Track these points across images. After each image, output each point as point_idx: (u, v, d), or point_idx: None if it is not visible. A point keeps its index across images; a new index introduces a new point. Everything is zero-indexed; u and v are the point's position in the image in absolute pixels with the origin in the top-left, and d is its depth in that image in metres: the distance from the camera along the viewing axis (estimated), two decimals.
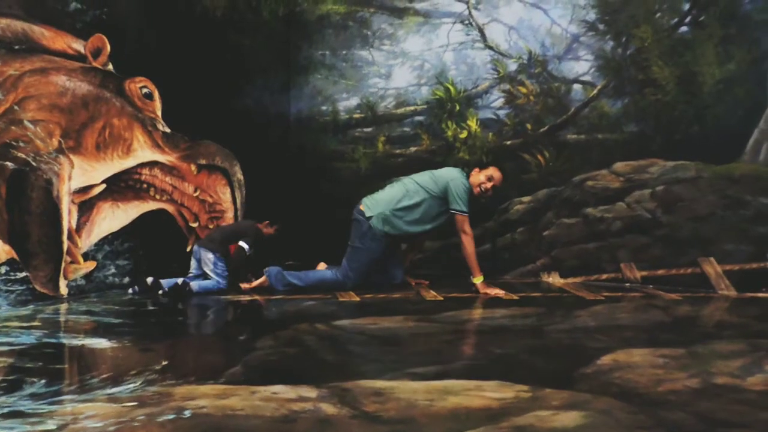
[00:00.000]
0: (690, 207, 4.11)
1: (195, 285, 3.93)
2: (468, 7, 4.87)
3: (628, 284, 4.21)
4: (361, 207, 4.13)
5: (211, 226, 4.36)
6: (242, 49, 4.85)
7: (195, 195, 4.29)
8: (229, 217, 4.47)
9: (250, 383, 2.05)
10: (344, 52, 5.19)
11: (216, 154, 4.31)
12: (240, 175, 4.49)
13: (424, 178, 4.09)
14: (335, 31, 5.18)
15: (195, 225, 4.34)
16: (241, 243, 4.11)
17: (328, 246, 5.03)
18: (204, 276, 4.08)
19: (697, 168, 4.12)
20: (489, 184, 4.01)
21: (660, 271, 4.13)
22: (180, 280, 3.91)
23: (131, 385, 2.04)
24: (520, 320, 3.24)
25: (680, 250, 4.12)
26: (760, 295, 3.83)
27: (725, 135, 4.04)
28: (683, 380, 2.10)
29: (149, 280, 3.91)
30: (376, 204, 4.09)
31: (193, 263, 4.13)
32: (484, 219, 4.72)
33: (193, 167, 4.22)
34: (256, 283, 4.10)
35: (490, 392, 1.97)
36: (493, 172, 4.04)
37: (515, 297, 3.84)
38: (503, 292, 3.89)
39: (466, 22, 4.89)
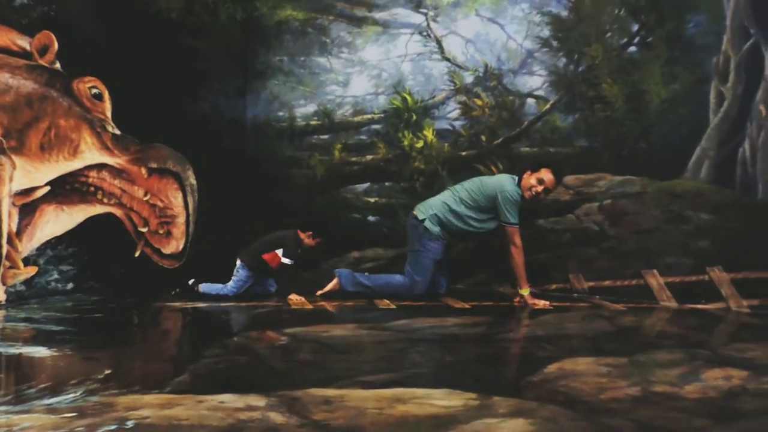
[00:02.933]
0: (635, 220, 4.25)
1: (203, 286, 4.18)
2: (426, 19, 4.93)
3: (576, 294, 4.32)
4: (414, 212, 4.17)
5: (161, 231, 4.26)
6: (198, 52, 4.78)
7: (145, 199, 4.19)
8: (180, 222, 4.37)
9: (196, 392, 2.01)
10: (302, 58, 5.18)
11: (168, 157, 4.22)
12: (193, 180, 4.41)
13: (474, 186, 4.09)
14: (294, 37, 5.17)
15: (144, 230, 4.23)
16: (283, 259, 4.11)
17: None
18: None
19: (643, 183, 4.27)
20: (540, 188, 3.94)
21: (606, 282, 4.25)
22: (191, 281, 4.22)
23: (71, 395, 1.97)
24: (471, 329, 3.28)
25: (625, 262, 4.25)
26: (699, 306, 3.99)
27: (669, 152, 4.20)
28: (625, 388, 2.17)
29: (190, 281, 4.20)
30: (428, 207, 4.13)
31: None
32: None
33: (143, 171, 4.12)
34: (328, 287, 4.12)
35: (439, 400, 1.99)
36: (544, 174, 3.93)
37: (467, 306, 3.89)
38: (549, 303, 3.90)
39: (425, 33, 4.95)
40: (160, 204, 4.25)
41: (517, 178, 4.03)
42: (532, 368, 2.41)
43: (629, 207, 4.26)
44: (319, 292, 4.15)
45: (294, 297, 3.98)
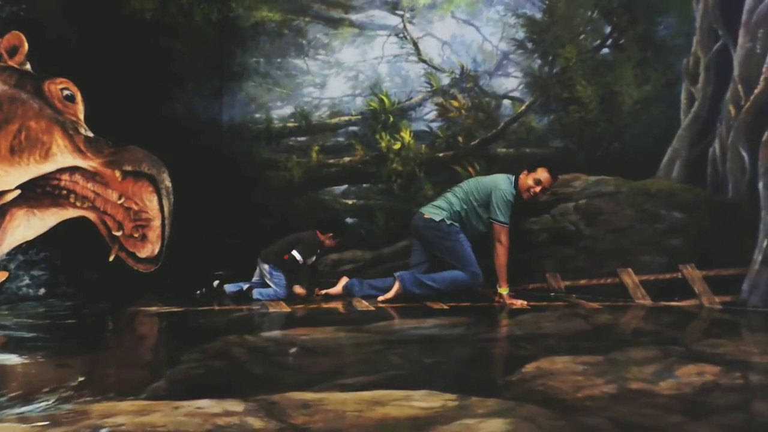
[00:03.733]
0: (610, 220, 4.31)
1: (256, 292, 4.08)
2: (403, 21, 4.94)
3: (552, 294, 4.36)
4: (426, 216, 4.15)
5: (136, 235, 4.20)
6: (173, 53, 4.73)
7: (119, 202, 4.12)
8: (155, 225, 4.32)
9: (173, 398, 1.98)
10: (279, 60, 5.16)
11: (142, 160, 4.16)
12: (168, 183, 4.35)
13: (471, 186, 4.14)
14: (270, 39, 5.14)
15: (119, 233, 4.16)
16: (294, 252, 4.10)
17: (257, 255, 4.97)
18: (265, 285, 4.19)
19: (617, 183, 4.33)
20: (537, 188, 4.00)
21: (582, 281, 4.30)
22: (245, 286, 4.12)
23: (43, 404, 1.93)
24: (450, 330, 3.29)
25: (601, 261, 4.31)
26: (673, 303, 4.06)
27: (642, 152, 4.26)
28: (601, 386, 2.19)
29: (215, 283, 4.12)
30: (439, 210, 4.14)
31: (256, 271, 4.29)
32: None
33: (117, 173, 4.06)
34: (392, 293, 4.06)
35: (418, 401, 1.99)
36: (541, 174, 4.00)
37: (446, 306, 3.90)
38: (526, 303, 3.93)
39: (401, 35, 4.96)
40: (134, 207, 4.19)
41: (513, 177, 4.07)
42: (511, 368, 2.43)
43: (604, 206, 4.31)
44: (381, 298, 4.08)
45: (298, 288, 4.07)
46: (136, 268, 4.28)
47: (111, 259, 4.16)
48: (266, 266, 4.16)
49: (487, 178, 4.18)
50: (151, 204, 4.26)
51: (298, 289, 4.08)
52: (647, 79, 4.26)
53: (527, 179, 4.02)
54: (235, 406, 1.90)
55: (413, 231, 4.30)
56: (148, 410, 1.87)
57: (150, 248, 4.32)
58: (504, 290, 4.00)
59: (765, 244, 3.90)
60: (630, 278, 4.21)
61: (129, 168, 4.10)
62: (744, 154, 3.99)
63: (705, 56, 4.13)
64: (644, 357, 2.65)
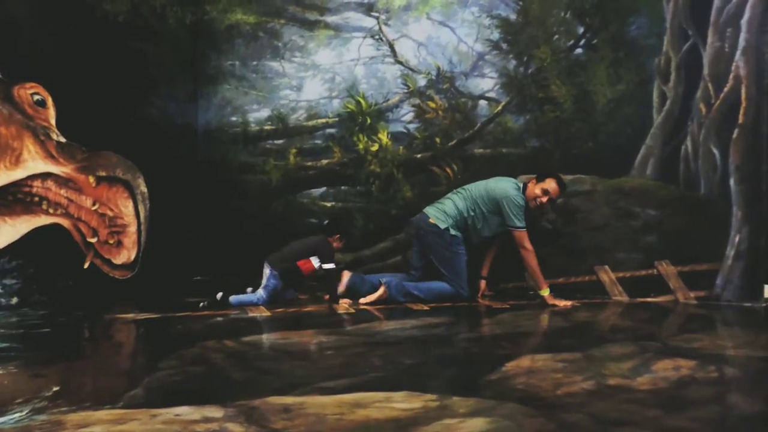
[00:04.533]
0: (587, 218, 4.36)
1: (232, 298, 4.04)
2: (378, 23, 4.94)
3: (532, 292, 4.39)
4: (431, 220, 4.11)
5: (111, 241, 4.13)
6: (146, 56, 4.67)
7: (93, 208, 4.05)
8: (131, 231, 4.26)
9: (150, 406, 1.96)
10: (254, 62, 5.12)
11: (117, 165, 4.09)
12: (144, 188, 4.29)
13: (480, 191, 4.11)
14: (245, 42, 5.10)
15: (93, 240, 4.09)
16: (326, 266, 4.06)
17: (237, 260, 4.93)
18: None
19: (592, 181, 4.38)
20: (545, 198, 3.97)
21: (560, 279, 4.34)
22: (219, 295, 4.06)
23: (17, 415, 1.89)
24: (430, 330, 3.30)
25: (578, 259, 4.36)
26: (649, 300, 4.12)
27: (616, 151, 4.32)
28: (580, 383, 2.22)
29: (218, 295, 4.06)
30: (446, 216, 4.11)
31: (264, 276, 4.18)
32: (396, 231, 4.78)
33: (91, 179, 3.99)
34: (374, 296, 4.04)
35: (399, 403, 1.99)
36: (549, 184, 3.98)
37: (426, 307, 3.91)
38: (570, 303, 3.91)
39: (377, 37, 4.96)
40: (109, 213, 4.13)
41: (521, 184, 4.07)
42: (491, 367, 2.44)
43: (581, 205, 4.36)
44: (363, 300, 4.06)
45: (344, 303, 4.02)
46: (112, 275, 4.22)
47: (86, 266, 4.09)
48: (268, 271, 4.10)
49: (493, 184, 4.12)
50: (126, 210, 4.20)
51: (345, 303, 4.03)
52: (620, 79, 4.31)
53: (535, 188, 3.99)
54: (215, 412, 1.88)
55: (414, 231, 4.27)
56: (125, 419, 1.84)
57: (126, 254, 4.25)
58: (545, 291, 3.96)
59: (737, 239, 3.98)
60: (607, 275, 4.26)
61: (103, 173, 4.03)
62: (715, 151, 4.07)
63: (676, 56, 4.20)
64: (622, 353, 2.68)
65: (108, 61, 4.33)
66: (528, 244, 3.95)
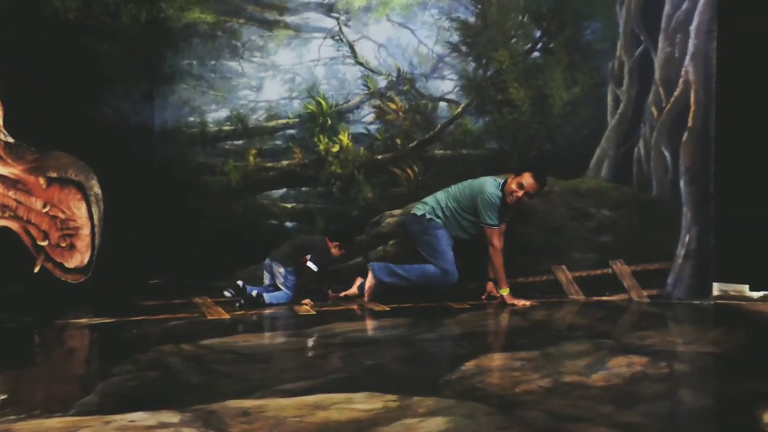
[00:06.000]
0: (544, 218, 4.43)
1: (267, 296, 4.00)
2: (338, 24, 4.93)
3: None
4: (413, 212, 4.22)
5: (63, 244, 4.02)
6: (99, 54, 4.55)
7: (44, 211, 3.94)
8: (84, 234, 4.15)
9: (104, 413, 1.91)
10: (212, 62, 5.05)
11: (69, 166, 3.99)
12: (97, 189, 4.19)
13: (460, 188, 4.16)
14: (203, 41, 5.03)
15: (44, 243, 3.98)
16: (309, 264, 4.05)
17: (196, 262, 4.86)
18: (276, 288, 4.14)
19: (550, 182, 4.46)
20: (520, 192, 3.95)
21: (519, 279, 4.41)
22: (254, 292, 4.02)
23: None
24: (391, 331, 3.31)
25: (536, 259, 4.43)
26: (604, 298, 4.22)
27: (572, 152, 4.41)
28: (537, 381, 2.26)
29: (239, 282, 4.14)
30: (424, 205, 4.21)
31: (265, 276, 4.21)
32: (358, 232, 4.77)
33: (42, 181, 3.88)
34: (367, 285, 4.15)
35: (359, 404, 1.99)
36: (525, 179, 3.96)
37: (387, 308, 3.92)
38: (530, 302, 3.96)
39: (337, 37, 4.95)
40: (61, 215, 4.02)
41: (502, 181, 4.08)
42: (451, 366, 2.47)
43: (539, 206, 4.44)
44: (344, 292, 4.22)
45: (307, 303, 3.99)
46: (65, 278, 4.10)
47: (36, 270, 3.97)
48: (282, 269, 4.08)
49: (477, 181, 4.15)
50: (79, 212, 4.10)
51: (307, 304, 3.99)
52: (576, 82, 4.41)
53: (512, 183, 4.00)
54: (171, 417, 1.85)
55: (403, 230, 4.43)
56: (77, 426, 1.79)
57: (79, 258, 4.15)
58: (504, 291, 4.02)
59: (687, 239, 4.12)
60: (564, 275, 4.35)
61: (54, 174, 3.92)
62: (666, 153, 4.20)
63: (628, 60, 4.32)
64: (578, 351, 2.75)
65: (59, 59, 4.20)
66: (497, 242, 3.99)
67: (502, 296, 4.05)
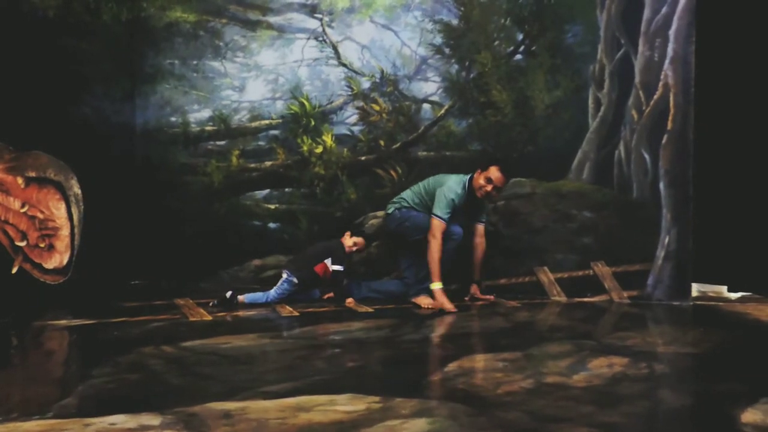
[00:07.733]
0: (527, 220, 4.47)
1: (246, 297, 4.04)
2: (322, 25, 4.93)
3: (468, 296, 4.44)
4: (386, 212, 4.32)
5: (42, 245, 3.96)
6: (79, 53, 4.49)
7: (22, 211, 3.88)
8: (64, 234, 4.09)
9: (84, 415, 1.88)
10: (195, 62, 5.01)
11: (48, 166, 3.93)
12: (77, 189, 4.14)
13: (431, 181, 4.15)
14: (185, 40, 4.99)
15: (22, 244, 3.91)
16: (334, 267, 4.16)
17: (178, 264, 4.81)
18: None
19: (532, 184, 4.50)
20: (489, 187, 3.89)
21: (502, 280, 4.43)
22: (228, 293, 4.01)
23: None
24: (374, 332, 3.30)
25: (519, 260, 4.46)
26: (586, 299, 4.26)
27: (554, 155, 4.45)
28: (519, 381, 2.27)
29: (228, 294, 4.00)
30: (391, 203, 4.29)
31: None
32: (340, 234, 4.76)
33: (20, 180, 3.82)
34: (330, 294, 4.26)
35: (342, 405, 1.99)
36: (492, 173, 3.89)
37: (371, 309, 3.92)
38: (451, 306, 3.82)
39: (320, 38, 4.94)
40: (40, 216, 3.96)
41: (467, 179, 4.02)
42: (434, 368, 2.47)
43: (521, 207, 4.47)
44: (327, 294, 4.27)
45: (350, 302, 4.08)
46: (43, 279, 4.04)
47: (14, 271, 3.90)
48: (285, 274, 4.11)
49: (443, 176, 4.14)
50: (58, 212, 4.04)
51: (351, 301, 4.11)
52: (557, 85, 4.45)
53: (480, 178, 3.93)
54: (152, 419, 1.83)
55: (387, 234, 4.47)
56: (55, 429, 1.76)
57: (58, 259, 4.09)
58: (435, 285, 3.87)
59: (666, 240, 4.17)
60: (546, 276, 4.38)
61: (33, 174, 3.87)
62: (646, 156, 4.26)
63: (609, 63, 4.37)
64: (559, 351, 2.77)
65: (37, 58, 4.13)
66: (438, 235, 3.87)
67: (432, 290, 3.90)
